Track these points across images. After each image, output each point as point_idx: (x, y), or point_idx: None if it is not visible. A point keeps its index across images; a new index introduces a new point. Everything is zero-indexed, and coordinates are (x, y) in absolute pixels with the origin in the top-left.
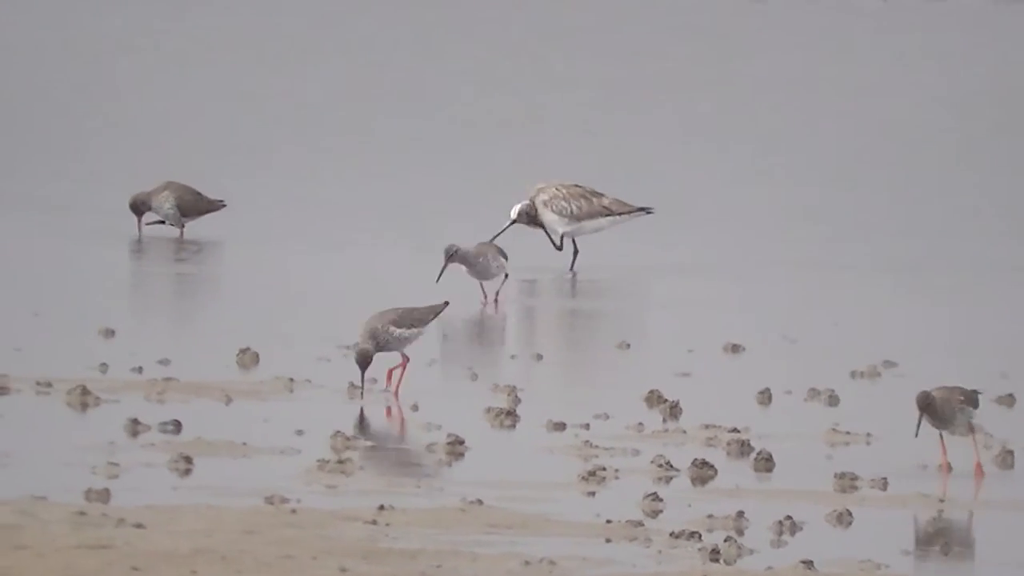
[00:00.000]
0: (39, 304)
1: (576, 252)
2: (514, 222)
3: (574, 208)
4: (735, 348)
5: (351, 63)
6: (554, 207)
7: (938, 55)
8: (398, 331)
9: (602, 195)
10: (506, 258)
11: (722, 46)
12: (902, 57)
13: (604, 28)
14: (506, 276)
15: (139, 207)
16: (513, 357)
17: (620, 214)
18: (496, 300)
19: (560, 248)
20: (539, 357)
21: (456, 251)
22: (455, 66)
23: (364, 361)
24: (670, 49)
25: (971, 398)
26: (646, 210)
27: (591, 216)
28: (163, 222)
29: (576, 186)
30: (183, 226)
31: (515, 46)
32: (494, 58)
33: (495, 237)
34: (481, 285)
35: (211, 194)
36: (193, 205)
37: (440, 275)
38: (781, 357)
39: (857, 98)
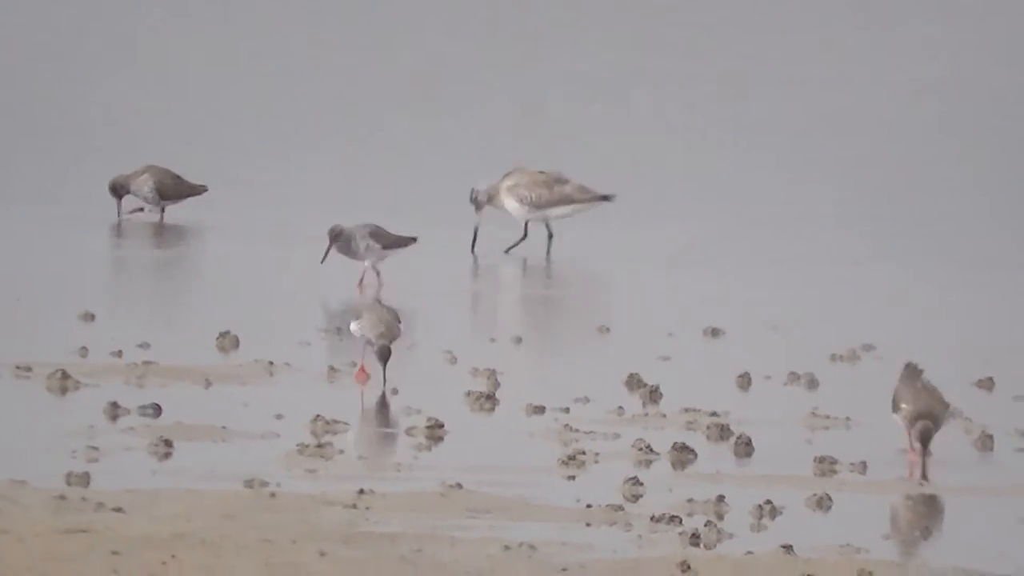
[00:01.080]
0: (19, 288)
1: (551, 237)
2: (478, 210)
3: (533, 196)
4: (715, 332)
5: (343, 54)
6: (515, 195)
7: (933, 45)
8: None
9: (566, 182)
10: (385, 245)
11: (716, 41)
12: (894, 47)
13: (603, 21)
14: (376, 270)
15: (118, 190)
16: (492, 340)
17: (580, 202)
18: (361, 282)
19: (525, 236)
20: (519, 340)
21: (340, 232)
22: (451, 61)
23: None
24: (661, 42)
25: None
26: (606, 197)
27: (551, 204)
28: (142, 209)
29: (540, 173)
30: (163, 209)
31: (512, 40)
32: (490, 53)
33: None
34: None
35: (193, 179)
36: (173, 188)
37: (325, 256)
38: (761, 341)
39: (845, 90)
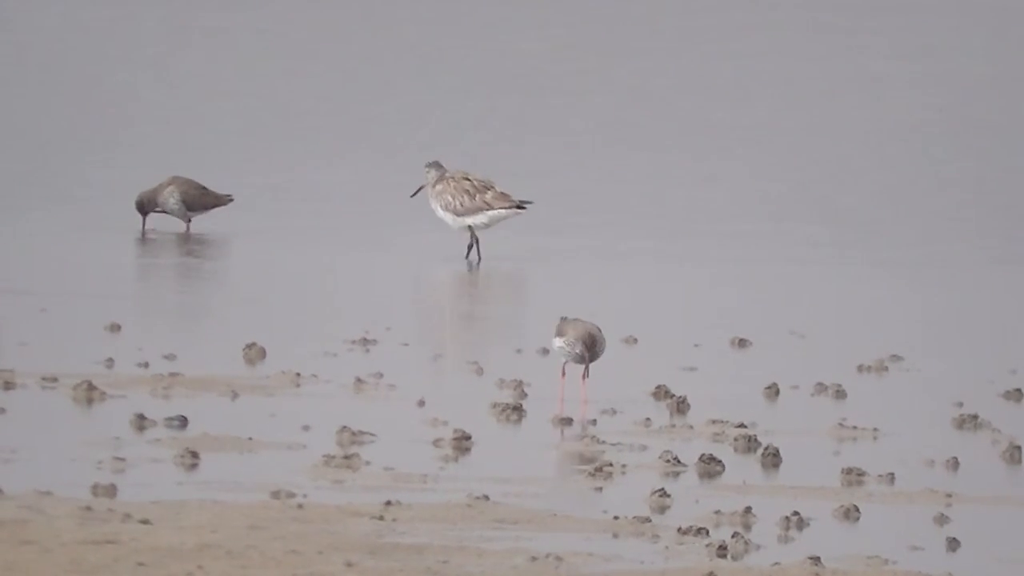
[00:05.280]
0: (45, 299)
1: (476, 242)
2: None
3: (457, 204)
4: (742, 343)
5: (361, 60)
6: (441, 202)
7: (928, 46)
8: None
9: (490, 188)
10: None
11: (715, 46)
12: (891, 50)
13: (600, 27)
14: None
15: (145, 206)
16: (519, 351)
17: (500, 208)
18: None
19: (478, 251)
20: (545, 351)
21: None
22: (468, 65)
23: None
24: (656, 48)
25: None
26: (522, 205)
27: (473, 211)
28: (188, 220)
29: (466, 179)
30: (189, 221)
31: (523, 50)
32: (501, 63)
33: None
34: None
35: (218, 189)
36: (199, 199)
37: None
38: (787, 352)
39: (851, 93)
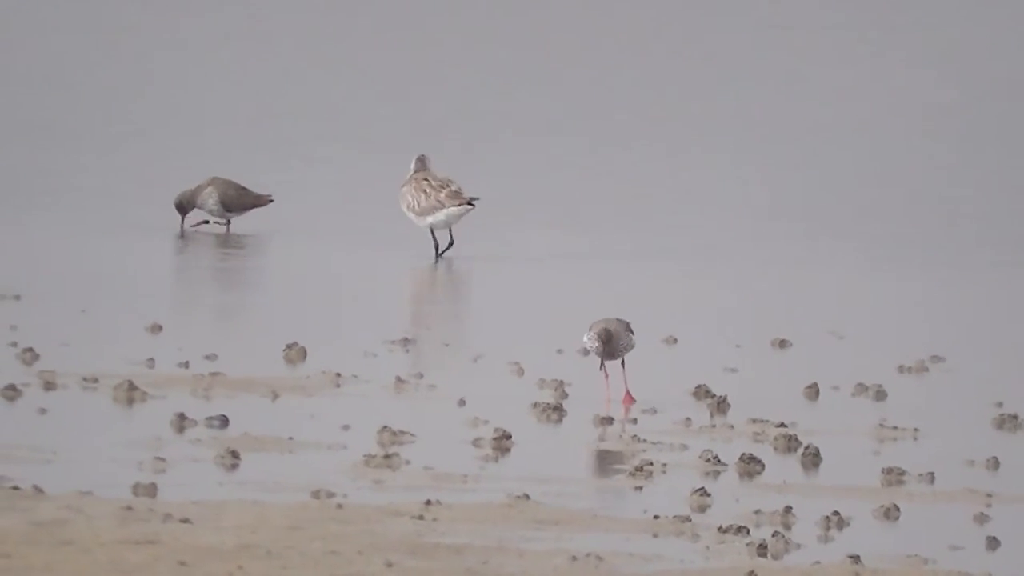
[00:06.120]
0: (86, 300)
1: (436, 244)
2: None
3: (415, 204)
4: (782, 343)
5: (397, 57)
6: (404, 202)
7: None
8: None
9: (446, 187)
10: None
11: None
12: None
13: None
14: None
15: (185, 206)
16: (560, 351)
17: (452, 207)
18: None
19: (436, 242)
20: (585, 352)
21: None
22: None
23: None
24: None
25: None
26: (471, 201)
27: (430, 211)
28: (207, 221)
29: (425, 179)
30: (229, 222)
31: (551, 45)
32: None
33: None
34: None
35: (257, 189)
36: (238, 200)
37: None
38: (828, 352)
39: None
